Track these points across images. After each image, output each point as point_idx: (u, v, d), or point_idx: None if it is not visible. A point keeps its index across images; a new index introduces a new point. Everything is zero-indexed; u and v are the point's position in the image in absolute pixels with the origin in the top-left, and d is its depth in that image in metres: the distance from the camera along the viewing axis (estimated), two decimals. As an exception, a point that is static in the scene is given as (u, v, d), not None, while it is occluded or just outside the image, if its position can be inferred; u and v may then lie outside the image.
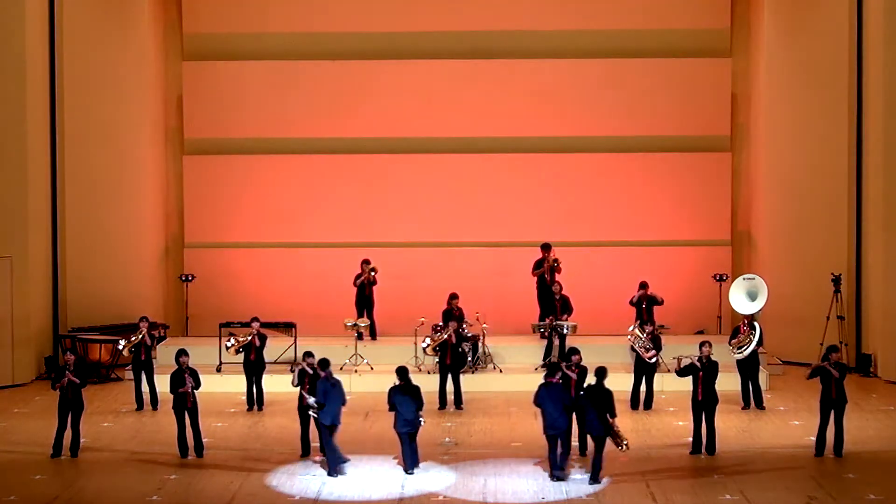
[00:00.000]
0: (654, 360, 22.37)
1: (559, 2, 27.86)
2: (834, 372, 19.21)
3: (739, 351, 22.41)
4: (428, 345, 23.42)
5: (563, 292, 25.09)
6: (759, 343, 22.66)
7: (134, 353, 22.71)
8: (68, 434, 19.45)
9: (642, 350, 22.10)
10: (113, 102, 26.78)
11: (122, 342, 23.05)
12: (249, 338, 22.63)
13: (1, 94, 24.84)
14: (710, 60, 27.85)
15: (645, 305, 24.60)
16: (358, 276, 26.01)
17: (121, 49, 26.78)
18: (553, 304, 25.11)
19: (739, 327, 22.85)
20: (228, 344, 23.07)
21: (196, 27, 28.04)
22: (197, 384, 19.48)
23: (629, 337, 22.50)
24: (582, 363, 19.50)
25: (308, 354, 19.63)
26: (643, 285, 24.80)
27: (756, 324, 22.87)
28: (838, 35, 26.15)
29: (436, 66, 27.91)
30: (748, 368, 22.48)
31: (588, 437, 18.53)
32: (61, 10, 26.28)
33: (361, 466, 18.77)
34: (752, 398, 22.44)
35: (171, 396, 19.57)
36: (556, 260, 25.70)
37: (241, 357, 22.91)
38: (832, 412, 19.24)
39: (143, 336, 22.72)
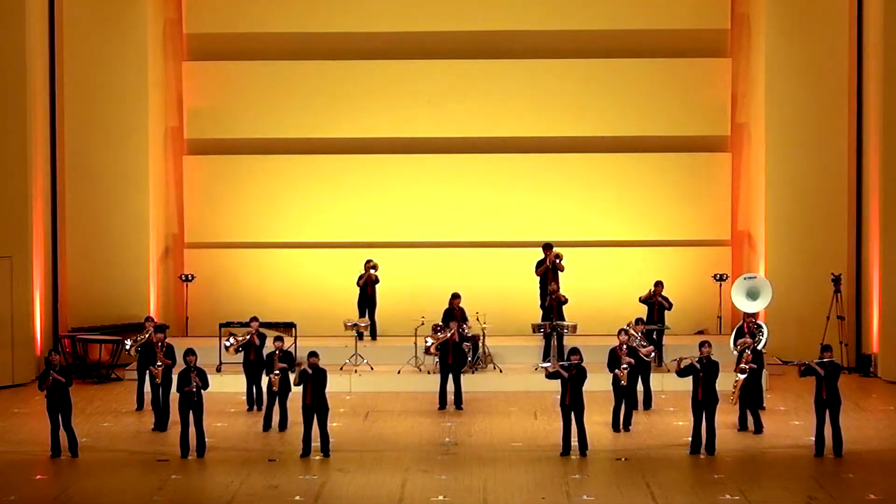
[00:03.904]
0: (651, 356, 22.41)
1: (560, 2, 27.84)
2: (819, 370, 19.22)
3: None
4: (431, 344, 23.43)
5: (558, 294, 25.05)
6: (765, 343, 22.65)
7: (140, 353, 22.69)
8: (64, 434, 19.44)
9: (639, 347, 22.13)
10: (113, 102, 26.79)
11: (129, 342, 23.08)
12: (248, 336, 22.63)
13: (1, 94, 24.85)
14: (710, 60, 27.83)
15: (657, 306, 24.59)
16: (360, 277, 26.05)
17: (121, 49, 26.78)
18: (550, 305, 25.12)
19: (742, 327, 22.79)
20: (227, 343, 23.07)
21: (196, 27, 28.03)
22: (204, 384, 19.48)
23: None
24: (582, 364, 19.51)
25: (312, 354, 19.62)
26: (658, 284, 24.78)
27: (762, 323, 22.87)
28: (838, 35, 26.19)
29: (436, 66, 27.89)
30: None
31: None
32: (61, 11, 26.31)
33: (362, 466, 18.77)
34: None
35: (174, 396, 19.65)
36: (557, 256, 25.65)
37: (241, 357, 22.91)
38: (827, 412, 19.26)
39: (150, 335, 22.74)
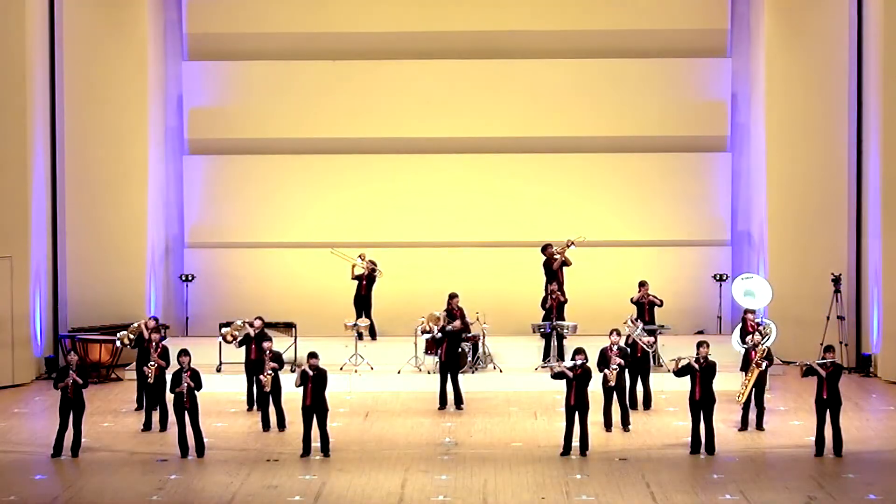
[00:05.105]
0: (653, 346, 22.44)
1: (559, 2, 27.86)
2: (821, 371, 19.22)
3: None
4: (423, 322, 23.59)
5: (558, 294, 25.04)
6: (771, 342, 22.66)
7: (139, 353, 22.65)
8: (69, 434, 19.46)
9: (640, 338, 22.16)
10: (113, 102, 26.79)
11: (118, 341, 23.18)
12: (244, 324, 22.59)
13: (1, 94, 24.85)
14: (709, 60, 27.84)
15: (647, 305, 24.62)
16: (360, 274, 25.95)
17: (121, 49, 26.78)
18: (550, 305, 25.13)
19: (745, 325, 22.75)
20: (229, 338, 23.14)
21: (197, 27, 28.04)
22: (198, 385, 19.51)
23: (627, 328, 22.54)
24: (587, 364, 19.52)
25: (312, 355, 19.62)
26: (643, 284, 24.80)
27: (766, 320, 22.88)
28: (838, 35, 26.19)
29: (436, 66, 27.90)
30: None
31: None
32: (61, 11, 26.31)
33: (362, 466, 18.77)
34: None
35: (170, 397, 19.71)
36: (570, 243, 25.54)
37: (241, 357, 22.90)
38: (827, 412, 19.27)
39: (140, 325, 22.67)
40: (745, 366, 21.13)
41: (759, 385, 20.94)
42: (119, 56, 26.78)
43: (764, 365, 20.78)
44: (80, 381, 19.46)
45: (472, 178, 27.92)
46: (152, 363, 21.00)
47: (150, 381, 20.99)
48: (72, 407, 19.47)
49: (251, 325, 22.60)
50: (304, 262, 27.86)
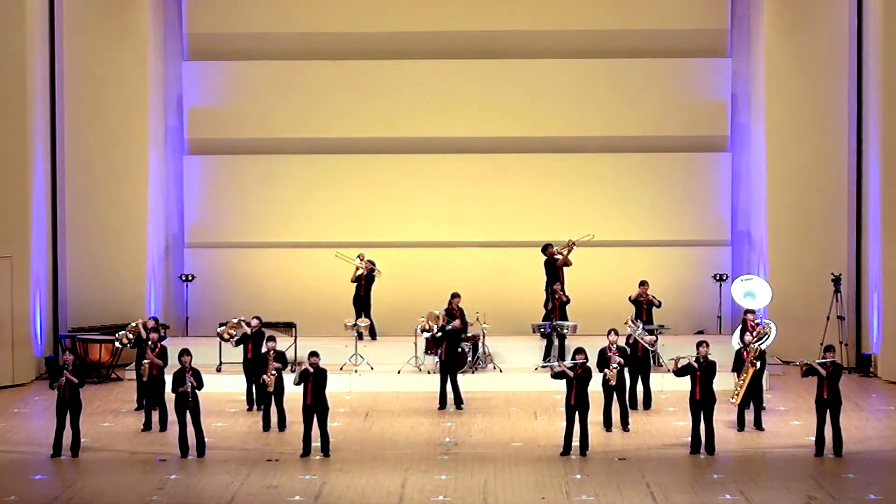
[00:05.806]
0: (654, 345, 22.44)
1: (559, 2, 27.87)
2: (821, 370, 19.22)
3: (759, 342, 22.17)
4: (423, 321, 23.60)
5: (560, 294, 25.08)
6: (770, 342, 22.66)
7: (139, 353, 22.64)
8: (68, 434, 19.46)
9: (642, 337, 22.16)
10: (113, 102, 26.80)
11: (117, 342, 23.22)
12: (240, 322, 22.61)
13: (1, 94, 24.86)
14: (709, 60, 27.85)
15: (645, 305, 24.63)
16: (360, 275, 25.96)
17: (121, 49, 26.80)
18: (553, 305, 25.16)
19: (745, 324, 22.76)
20: (226, 337, 23.18)
21: (197, 27, 28.05)
22: (199, 384, 19.53)
23: (627, 328, 22.55)
24: (587, 363, 19.54)
25: (313, 354, 19.63)
26: (644, 283, 24.80)
27: (766, 321, 22.90)
28: (838, 35, 26.20)
29: (436, 66, 27.90)
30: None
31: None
32: (61, 11, 26.32)
33: (362, 466, 18.78)
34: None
35: (173, 396, 19.70)
36: (571, 244, 25.56)
37: (240, 356, 22.91)
38: (827, 411, 19.27)
39: (137, 324, 22.67)
40: (737, 366, 21.10)
41: (756, 385, 20.93)
42: (119, 56, 26.79)
43: (758, 364, 20.79)
44: (75, 381, 19.44)
45: (472, 178, 27.92)
46: (146, 361, 21.02)
47: (144, 378, 21.04)
48: (68, 406, 19.46)
49: (248, 324, 22.64)
50: (304, 262, 27.87)
